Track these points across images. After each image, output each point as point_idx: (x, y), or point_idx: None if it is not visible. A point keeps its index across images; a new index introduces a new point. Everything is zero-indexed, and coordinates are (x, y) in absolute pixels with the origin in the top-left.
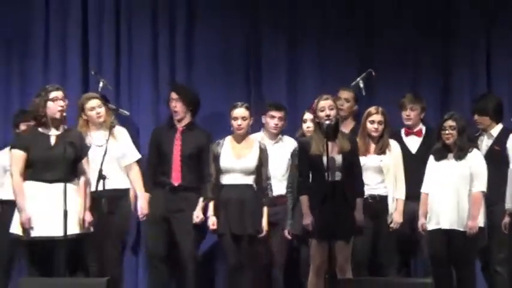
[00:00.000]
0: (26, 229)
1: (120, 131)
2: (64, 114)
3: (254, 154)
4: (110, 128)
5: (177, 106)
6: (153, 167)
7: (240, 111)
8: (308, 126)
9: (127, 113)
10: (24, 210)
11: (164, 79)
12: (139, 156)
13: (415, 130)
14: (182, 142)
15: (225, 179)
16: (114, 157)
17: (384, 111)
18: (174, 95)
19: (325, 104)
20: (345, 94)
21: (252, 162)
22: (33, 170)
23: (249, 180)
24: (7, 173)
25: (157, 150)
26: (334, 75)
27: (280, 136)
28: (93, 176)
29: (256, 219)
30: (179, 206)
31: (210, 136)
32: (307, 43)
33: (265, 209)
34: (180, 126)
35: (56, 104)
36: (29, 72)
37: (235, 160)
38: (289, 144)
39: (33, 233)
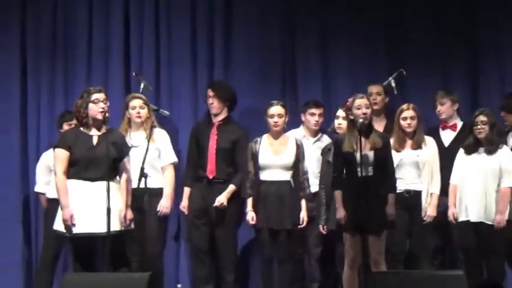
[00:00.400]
0: (68, 226)
1: (161, 133)
2: (106, 115)
3: (291, 150)
4: (151, 129)
5: (214, 102)
6: (193, 162)
7: (276, 109)
8: (340, 123)
9: (167, 113)
10: (67, 208)
11: (203, 79)
12: (175, 159)
13: (450, 124)
14: (218, 136)
15: (264, 175)
16: (151, 158)
17: (415, 107)
18: (210, 92)
19: (361, 102)
20: (374, 88)
21: (289, 158)
22: (75, 169)
23: (287, 176)
24: (52, 172)
25: (196, 145)
26: (365, 74)
27: (320, 135)
28: (132, 175)
29: (294, 213)
30: (216, 198)
31: (245, 131)
32: (339, 43)
33: (303, 202)
34: (216, 121)
35: (97, 106)
36: (73, 75)
37: (273, 156)
38: (327, 142)
39: (76, 230)
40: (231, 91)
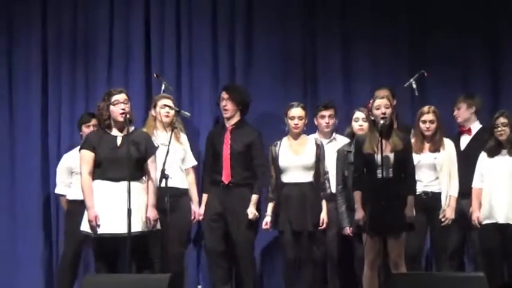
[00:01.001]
0: (93, 227)
1: (184, 138)
2: (127, 116)
3: (311, 150)
4: (172, 129)
5: (227, 105)
6: (209, 167)
7: (297, 111)
8: (360, 124)
9: (188, 114)
10: (92, 209)
11: (224, 81)
12: (195, 162)
13: (466, 128)
14: (231, 140)
15: (285, 177)
16: (177, 158)
17: (436, 110)
18: (224, 95)
19: (381, 102)
20: (381, 92)
21: (310, 158)
22: (100, 170)
23: (309, 177)
24: (73, 174)
25: (212, 151)
26: (387, 75)
27: (334, 135)
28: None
29: (315, 215)
30: (233, 203)
31: (259, 133)
32: (360, 45)
33: (324, 203)
34: (229, 125)
35: (117, 108)
36: (93, 77)
37: (293, 157)
38: (342, 143)
39: (100, 230)
40: (245, 94)
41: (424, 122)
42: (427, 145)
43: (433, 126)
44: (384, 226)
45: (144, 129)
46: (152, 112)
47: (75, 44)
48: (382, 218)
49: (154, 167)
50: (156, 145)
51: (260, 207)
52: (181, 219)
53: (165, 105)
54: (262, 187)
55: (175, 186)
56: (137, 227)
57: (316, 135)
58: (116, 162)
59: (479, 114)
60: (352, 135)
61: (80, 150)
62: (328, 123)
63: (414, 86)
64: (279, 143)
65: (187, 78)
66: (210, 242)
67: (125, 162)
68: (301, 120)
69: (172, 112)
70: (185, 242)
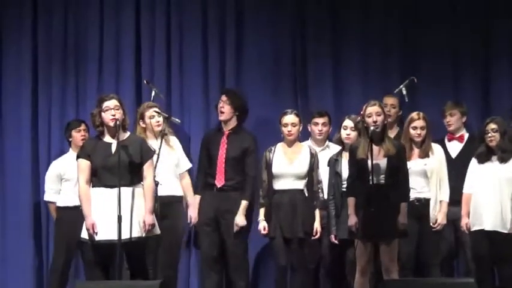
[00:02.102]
0: (91, 234)
1: (173, 141)
2: (117, 122)
3: (305, 159)
4: (162, 136)
5: (224, 107)
6: (203, 170)
7: (290, 118)
8: (348, 134)
9: (178, 120)
10: (89, 216)
11: (214, 87)
12: (190, 165)
13: (457, 136)
14: (228, 145)
15: (277, 184)
16: (170, 164)
17: (426, 116)
18: (223, 97)
19: (372, 110)
20: (390, 100)
21: (303, 167)
22: (97, 177)
23: (301, 185)
24: (62, 181)
25: (206, 154)
26: (377, 82)
27: (327, 143)
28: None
29: (306, 222)
30: (226, 207)
31: (255, 139)
32: (351, 51)
33: (317, 212)
34: (226, 130)
35: (108, 114)
36: (83, 83)
37: (287, 165)
38: (335, 151)
39: (98, 237)
40: (243, 101)
41: (415, 128)
42: (416, 151)
43: (424, 132)
44: (376, 232)
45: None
46: (141, 124)
47: (65, 50)
48: (374, 224)
49: (151, 171)
50: (153, 149)
51: (252, 210)
52: (174, 226)
53: (153, 115)
54: (251, 193)
55: (170, 194)
56: (135, 232)
57: (309, 142)
58: (111, 169)
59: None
60: (340, 142)
61: (76, 159)
62: (321, 130)
63: (404, 92)
64: (273, 148)
65: (177, 85)
66: (205, 247)
67: (118, 169)
68: (294, 127)
69: (161, 120)
70: (178, 250)
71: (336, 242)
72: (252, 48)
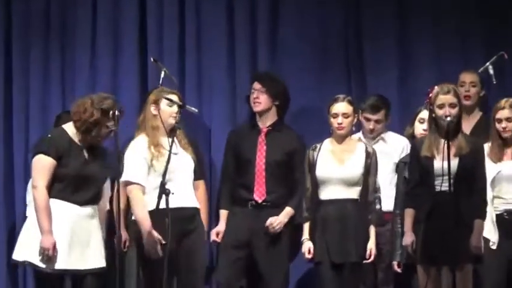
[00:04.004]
0: (49, 258)
1: (189, 141)
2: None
3: (359, 159)
4: (175, 131)
5: (260, 97)
6: (231, 180)
7: (341, 107)
8: (424, 129)
9: (195, 110)
10: (49, 234)
11: (242, 68)
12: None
13: None
14: (267, 146)
15: (323, 193)
16: (188, 169)
17: None
18: (257, 85)
19: (445, 99)
20: (468, 77)
21: (356, 169)
22: (62, 187)
23: (353, 193)
24: None
25: (236, 158)
26: (455, 62)
27: (381, 133)
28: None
29: (361, 242)
30: (265, 232)
31: (301, 139)
32: (422, 24)
33: (372, 229)
34: (264, 126)
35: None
36: (72, 63)
37: (335, 167)
38: (394, 142)
39: (58, 265)
40: (283, 87)
41: (500, 120)
42: (508, 151)
43: (511, 125)
44: (439, 254)
45: (141, 136)
46: (152, 110)
47: (48, 22)
48: (436, 243)
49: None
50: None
51: (293, 232)
52: (192, 248)
53: (171, 102)
54: (297, 207)
55: (186, 206)
56: (97, 261)
57: (359, 135)
58: (85, 181)
59: None
60: (412, 139)
61: (38, 152)
62: (372, 129)
63: (491, 71)
64: (319, 146)
65: (193, 65)
66: (226, 276)
67: (92, 183)
68: (347, 118)
69: (177, 110)
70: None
71: (399, 270)
72: (291, 19)
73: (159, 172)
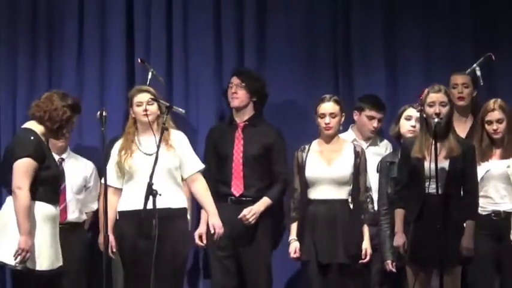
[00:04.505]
0: (22, 258)
1: (179, 137)
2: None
3: (348, 159)
4: (162, 132)
5: (237, 92)
6: (212, 176)
7: (328, 106)
8: (413, 125)
9: (182, 110)
10: (28, 235)
11: (229, 68)
12: (202, 166)
13: None
14: (244, 141)
15: (313, 193)
16: (166, 168)
17: (504, 104)
18: (236, 80)
19: (436, 97)
20: (460, 79)
21: (345, 169)
22: (45, 189)
23: (343, 193)
24: None
25: (215, 154)
26: (444, 62)
27: (375, 136)
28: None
29: (350, 243)
30: (245, 226)
31: (279, 132)
32: (411, 21)
33: (365, 228)
34: (240, 121)
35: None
36: (58, 63)
37: (324, 167)
38: (384, 143)
39: (41, 266)
40: (261, 82)
41: (490, 122)
42: (497, 151)
43: (502, 126)
44: (428, 256)
45: (120, 140)
46: (131, 113)
47: (34, 20)
48: (427, 245)
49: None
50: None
51: (275, 226)
52: (175, 249)
53: (142, 102)
54: (279, 196)
55: (166, 207)
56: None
57: (350, 134)
58: (58, 182)
59: None
60: (398, 137)
61: (25, 156)
62: (376, 127)
63: (478, 73)
64: (307, 147)
65: (181, 65)
66: (217, 277)
67: (62, 183)
68: (334, 118)
69: (152, 109)
70: (180, 280)
71: (394, 270)
72: (279, 17)
73: (129, 173)
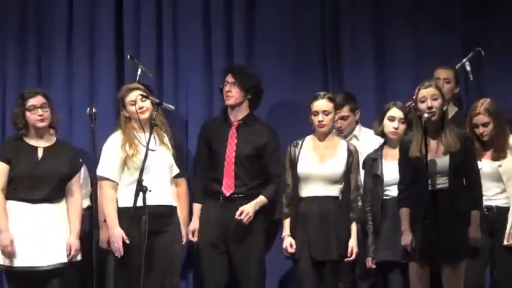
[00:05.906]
0: (9, 254)
1: (167, 137)
2: (45, 123)
3: (341, 157)
4: (152, 128)
5: (232, 90)
6: (203, 172)
7: (321, 104)
8: (396, 127)
9: (172, 107)
10: (7, 232)
11: (218, 65)
12: (178, 170)
13: None
14: (238, 140)
15: (304, 190)
16: (164, 165)
17: (491, 106)
18: (230, 78)
19: (426, 92)
20: (443, 73)
21: (337, 167)
22: (13, 188)
23: (335, 191)
24: None
25: (208, 151)
26: (434, 58)
27: (355, 131)
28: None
29: (341, 240)
30: (236, 221)
31: (273, 132)
32: (400, 18)
33: (354, 226)
34: (235, 120)
35: (34, 114)
36: (48, 60)
37: (317, 164)
38: (368, 139)
39: (16, 263)
40: (256, 80)
41: (476, 126)
42: (487, 152)
43: (489, 129)
44: (436, 252)
45: (117, 133)
46: (124, 113)
47: (23, 16)
48: (434, 241)
49: (78, 186)
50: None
51: (269, 224)
52: (167, 246)
53: (135, 100)
54: (274, 195)
55: (163, 204)
56: (57, 257)
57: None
58: (36, 180)
59: None
60: (382, 136)
61: None
62: (339, 126)
63: (468, 68)
64: (300, 142)
65: (170, 61)
66: (209, 275)
67: (46, 181)
68: (327, 115)
69: (148, 104)
70: (176, 277)
71: (373, 266)
72: (268, 14)
73: (132, 170)
